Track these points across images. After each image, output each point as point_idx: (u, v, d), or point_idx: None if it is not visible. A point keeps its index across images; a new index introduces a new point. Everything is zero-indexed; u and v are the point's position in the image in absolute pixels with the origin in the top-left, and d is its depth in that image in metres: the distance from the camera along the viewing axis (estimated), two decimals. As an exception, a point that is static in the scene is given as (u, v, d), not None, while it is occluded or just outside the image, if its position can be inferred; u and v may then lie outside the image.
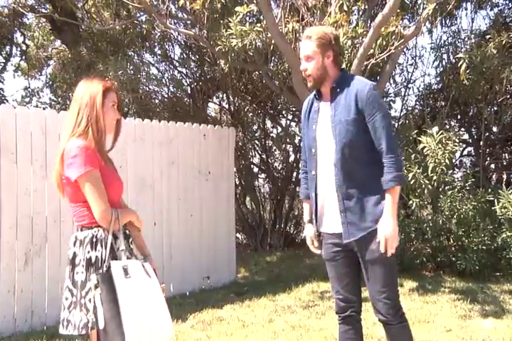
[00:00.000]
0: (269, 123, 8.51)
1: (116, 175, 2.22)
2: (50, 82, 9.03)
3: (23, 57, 9.30)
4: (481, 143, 6.63)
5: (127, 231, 2.20)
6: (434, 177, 4.97)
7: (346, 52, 4.69)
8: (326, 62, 2.37)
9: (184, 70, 7.85)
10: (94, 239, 2.07)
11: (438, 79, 6.82)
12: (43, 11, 8.18)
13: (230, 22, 4.76)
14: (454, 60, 6.00)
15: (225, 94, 8.14)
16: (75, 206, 2.12)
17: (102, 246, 2.06)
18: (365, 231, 2.34)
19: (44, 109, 5.43)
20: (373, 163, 2.34)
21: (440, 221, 5.32)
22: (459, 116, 7.14)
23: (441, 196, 5.30)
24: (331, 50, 2.37)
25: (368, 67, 4.88)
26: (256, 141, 8.47)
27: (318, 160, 2.44)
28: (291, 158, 8.44)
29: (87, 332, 2.05)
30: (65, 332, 2.08)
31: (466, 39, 6.23)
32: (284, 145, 8.35)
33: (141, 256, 2.22)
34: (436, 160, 4.92)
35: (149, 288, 2.10)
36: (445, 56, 6.26)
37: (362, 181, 2.34)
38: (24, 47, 9.16)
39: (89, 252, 2.05)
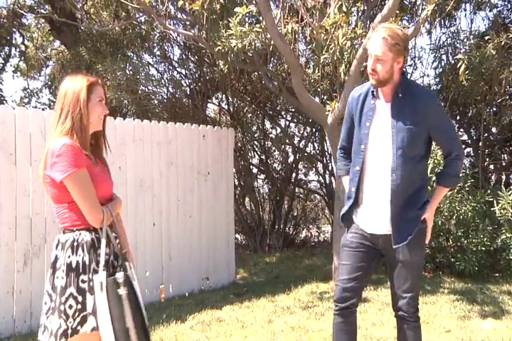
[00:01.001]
0: (268, 124, 8.51)
1: (105, 175, 2.14)
2: (49, 83, 9.04)
3: (22, 57, 9.30)
4: (480, 143, 6.64)
5: (113, 232, 2.11)
6: (434, 178, 4.96)
7: (346, 53, 4.69)
8: (395, 67, 2.38)
9: (183, 71, 7.86)
10: (75, 243, 1.99)
11: (437, 79, 6.83)
12: (42, 11, 8.18)
13: (230, 23, 4.76)
14: (453, 61, 6.00)
15: (224, 95, 8.14)
16: (58, 207, 2.04)
17: (83, 250, 1.98)
18: (410, 236, 2.41)
19: (43, 109, 5.45)
20: (423, 172, 2.52)
21: (439, 222, 5.32)
22: (458, 117, 7.14)
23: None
24: (402, 56, 2.38)
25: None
26: (255, 142, 8.47)
27: (366, 157, 2.45)
28: (291, 159, 8.44)
29: (66, 339, 1.97)
30: (42, 339, 1.99)
31: (465, 40, 6.23)
32: (283, 146, 8.35)
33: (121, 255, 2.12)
34: (436, 161, 4.92)
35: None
36: (444, 57, 6.28)
37: (413, 190, 2.44)
38: (23, 48, 9.16)
39: (69, 257, 1.98)
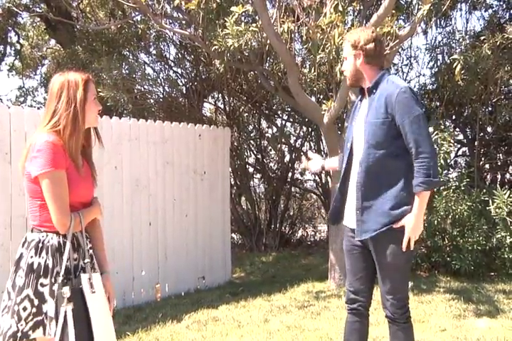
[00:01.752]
0: (264, 124, 8.51)
1: (87, 179, 2.05)
2: (45, 82, 9.00)
3: (18, 56, 9.27)
4: (476, 143, 6.66)
5: (86, 239, 2.03)
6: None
7: (341, 52, 4.68)
8: (358, 62, 2.45)
9: (179, 70, 7.85)
10: (40, 245, 1.93)
11: (433, 79, 6.85)
12: (38, 10, 8.16)
13: (226, 22, 4.75)
14: (448, 61, 6.01)
15: (220, 94, 8.14)
16: (32, 202, 1.97)
17: (47, 253, 1.91)
18: (374, 232, 2.38)
19: (39, 108, 5.41)
20: (399, 169, 2.38)
21: (435, 221, 5.33)
22: (453, 117, 7.16)
23: (436, 196, 5.32)
24: (360, 50, 2.43)
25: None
26: (251, 141, 8.47)
27: (352, 155, 2.52)
28: (287, 158, 8.44)
29: None
30: None
31: (461, 40, 6.25)
32: (279, 146, 8.35)
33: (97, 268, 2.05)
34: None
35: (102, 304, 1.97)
36: (440, 57, 6.28)
37: (384, 185, 2.39)
38: (18, 47, 9.13)
39: (32, 257, 1.92)
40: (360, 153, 2.44)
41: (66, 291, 1.85)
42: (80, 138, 2.00)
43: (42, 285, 1.91)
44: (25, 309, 1.88)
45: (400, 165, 2.38)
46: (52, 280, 1.91)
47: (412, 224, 2.34)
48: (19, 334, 1.88)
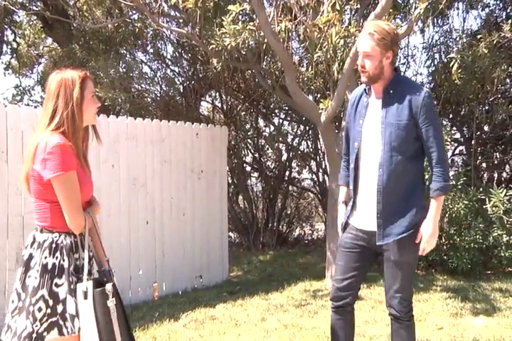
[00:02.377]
0: (261, 122, 8.50)
1: (88, 177, 2.09)
2: (42, 80, 8.97)
3: (14, 55, 9.23)
4: (473, 142, 6.66)
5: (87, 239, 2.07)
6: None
7: (339, 51, 4.69)
8: (384, 62, 2.37)
9: (177, 69, 7.83)
10: (54, 245, 1.94)
11: (430, 78, 6.85)
12: (34, 8, 8.13)
13: (223, 21, 4.74)
14: (445, 60, 6.03)
15: (217, 93, 8.13)
16: (39, 203, 1.98)
17: (61, 253, 1.94)
18: (398, 236, 2.38)
19: (35, 107, 5.41)
20: (418, 172, 2.43)
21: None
22: (450, 115, 7.17)
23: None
24: (391, 51, 2.37)
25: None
26: (249, 140, 8.46)
27: (360, 154, 2.47)
28: (284, 157, 8.44)
29: None
30: (4, 339, 1.93)
31: (458, 39, 6.25)
32: (276, 144, 8.35)
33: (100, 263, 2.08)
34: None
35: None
36: (437, 55, 6.29)
37: (404, 188, 2.39)
38: (15, 45, 9.09)
39: (46, 258, 1.93)
40: (375, 155, 2.40)
41: (109, 288, 1.92)
42: (80, 137, 2.02)
43: (56, 285, 1.92)
44: (40, 310, 1.89)
45: (418, 168, 2.43)
46: (70, 279, 1.92)
47: (431, 230, 2.36)
48: (34, 335, 1.89)
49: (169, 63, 7.79)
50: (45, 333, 1.91)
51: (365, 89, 2.51)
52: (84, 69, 2.11)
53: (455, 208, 5.28)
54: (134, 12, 6.88)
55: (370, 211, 2.44)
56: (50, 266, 1.92)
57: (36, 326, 1.89)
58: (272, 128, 8.37)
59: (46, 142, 1.90)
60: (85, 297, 1.89)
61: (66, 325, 1.90)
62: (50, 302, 1.91)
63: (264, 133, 8.51)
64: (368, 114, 2.46)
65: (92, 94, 2.05)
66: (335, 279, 2.59)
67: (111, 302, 1.91)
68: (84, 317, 1.89)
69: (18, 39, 9.19)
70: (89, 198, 2.07)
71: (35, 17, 8.63)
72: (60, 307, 1.91)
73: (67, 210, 1.91)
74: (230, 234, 7.71)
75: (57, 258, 1.93)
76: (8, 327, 1.94)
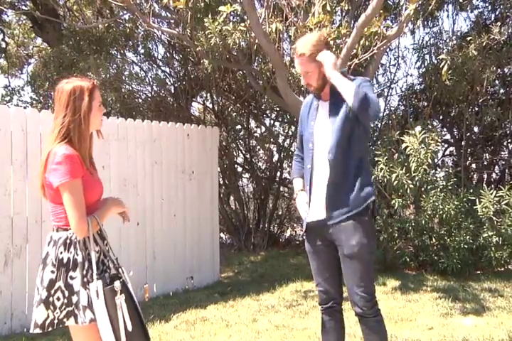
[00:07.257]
0: (253, 123, 8.51)
1: (97, 181, 2.23)
2: (31, 81, 8.91)
3: (3, 55, 9.16)
4: (463, 143, 6.71)
5: (104, 232, 2.21)
6: (417, 177, 5.01)
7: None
8: (323, 71, 2.45)
9: (168, 69, 7.82)
10: (68, 241, 2.10)
11: (420, 79, 6.89)
12: (24, 8, 8.08)
13: (214, 21, 4.74)
14: (436, 61, 6.06)
15: (208, 94, 8.12)
16: (54, 206, 2.15)
17: (75, 248, 2.09)
18: (345, 215, 2.42)
19: (25, 108, 5.37)
20: (362, 166, 2.47)
21: (423, 220, 5.37)
22: (441, 117, 7.21)
23: (424, 196, 5.35)
24: (319, 58, 2.44)
25: (351, 67, 4.90)
26: (240, 141, 8.46)
27: (314, 154, 2.53)
28: (275, 158, 8.45)
29: (52, 329, 2.10)
30: (32, 331, 2.11)
31: (448, 40, 6.30)
32: (267, 145, 8.35)
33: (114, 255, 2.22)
34: (419, 160, 4.97)
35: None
36: (427, 57, 6.32)
37: (351, 179, 2.44)
38: (4, 45, 9.02)
39: (61, 253, 2.09)
40: (325, 151, 2.46)
41: (118, 285, 2.06)
42: (87, 144, 2.18)
43: (71, 278, 2.08)
44: (58, 299, 2.08)
45: (360, 147, 2.49)
46: (84, 272, 2.07)
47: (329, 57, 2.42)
48: (56, 321, 2.09)
49: (160, 64, 7.78)
50: (65, 319, 2.09)
51: (314, 94, 2.61)
52: (91, 79, 2.24)
53: (445, 209, 5.30)
54: (125, 12, 6.86)
55: (320, 200, 2.49)
56: (65, 260, 2.08)
57: (57, 313, 2.08)
58: (263, 128, 8.38)
59: (55, 153, 2.07)
60: (97, 296, 2.03)
61: (80, 314, 2.07)
62: (66, 293, 2.08)
63: (255, 134, 8.52)
64: (318, 116, 2.55)
65: (99, 103, 2.17)
66: (316, 284, 2.62)
67: (118, 299, 2.04)
68: (99, 314, 2.03)
69: (7, 39, 9.13)
70: (99, 197, 2.22)
71: (24, 17, 8.59)
72: (74, 298, 2.08)
73: (71, 215, 2.06)
74: (221, 234, 7.71)
75: (71, 253, 2.09)
76: (34, 320, 2.11)
